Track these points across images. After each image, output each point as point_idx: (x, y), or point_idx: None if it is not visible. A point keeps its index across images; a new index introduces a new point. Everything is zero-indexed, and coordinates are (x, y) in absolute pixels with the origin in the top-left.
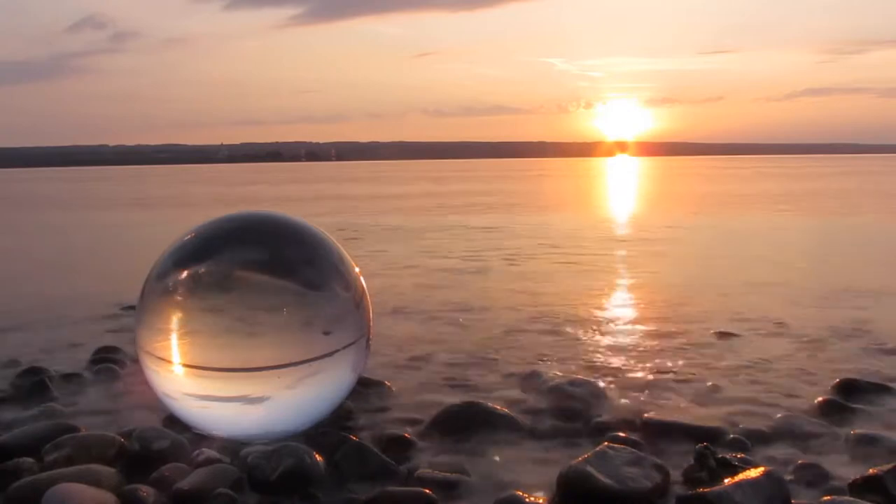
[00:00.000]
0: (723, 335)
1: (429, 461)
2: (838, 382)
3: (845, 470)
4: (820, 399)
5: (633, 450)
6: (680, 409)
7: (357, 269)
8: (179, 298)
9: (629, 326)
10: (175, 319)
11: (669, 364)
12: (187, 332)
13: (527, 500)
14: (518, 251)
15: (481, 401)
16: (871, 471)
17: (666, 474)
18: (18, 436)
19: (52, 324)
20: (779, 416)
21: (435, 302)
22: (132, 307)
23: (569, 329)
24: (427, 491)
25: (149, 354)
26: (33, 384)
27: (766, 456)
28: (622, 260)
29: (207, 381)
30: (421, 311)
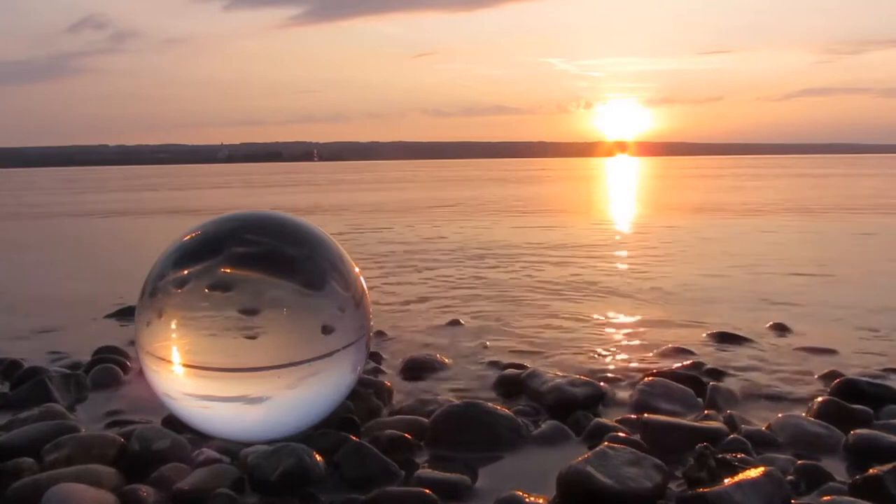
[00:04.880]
0: (725, 336)
1: (429, 461)
2: (839, 382)
3: (845, 470)
4: (820, 399)
5: (633, 450)
6: (680, 410)
7: (357, 269)
8: (179, 298)
9: (631, 323)
10: (175, 319)
11: (670, 365)
12: (187, 332)
13: (527, 500)
14: None
15: (481, 401)
16: (871, 471)
17: (666, 474)
18: (18, 436)
19: (52, 324)
20: (779, 416)
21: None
22: (132, 307)
23: (572, 328)
24: (427, 491)
25: (149, 354)
26: (33, 384)
27: (766, 456)
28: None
29: (207, 381)
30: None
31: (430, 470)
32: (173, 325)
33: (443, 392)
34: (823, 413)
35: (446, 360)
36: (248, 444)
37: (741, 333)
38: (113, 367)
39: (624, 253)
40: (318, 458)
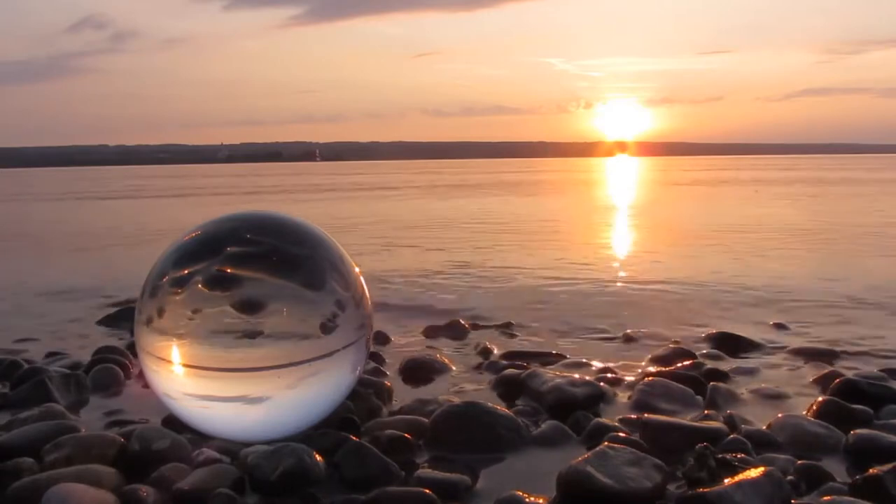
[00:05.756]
0: (725, 336)
1: (429, 461)
2: (839, 382)
3: (845, 470)
4: (820, 399)
5: (633, 450)
6: (680, 410)
7: (357, 269)
8: (179, 298)
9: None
10: (175, 319)
11: (670, 365)
12: (187, 332)
13: (527, 500)
14: None
15: (482, 401)
16: (871, 471)
17: (666, 474)
18: (18, 436)
19: (52, 323)
20: (779, 416)
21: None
22: (132, 307)
23: (573, 329)
24: (427, 491)
25: (149, 354)
26: (33, 384)
27: (766, 456)
28: None
29: (207, 381)
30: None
31: (430, 470)
32: (173, 325)
33: (443, 392)
34: (823, 413)
35: (446, 360)
36: (248, 444)
37: (741, 333)
38: (113, 367)
39: (625, 253)
40: (318, 458)
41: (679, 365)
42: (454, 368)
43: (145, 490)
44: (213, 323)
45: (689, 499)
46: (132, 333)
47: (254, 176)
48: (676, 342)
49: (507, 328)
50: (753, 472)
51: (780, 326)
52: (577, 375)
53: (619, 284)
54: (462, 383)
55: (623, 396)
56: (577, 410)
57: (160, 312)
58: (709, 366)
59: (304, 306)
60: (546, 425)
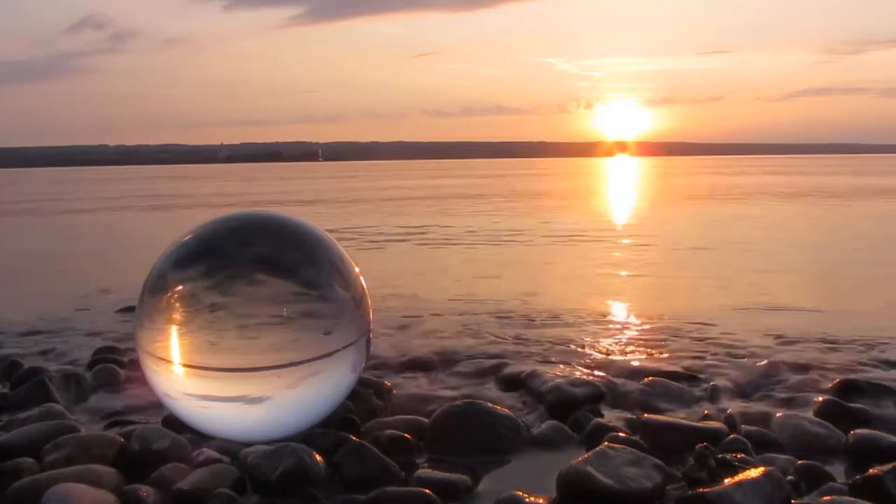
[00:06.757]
0: (726, 336)
1: (429, 461)
2: (838, 382)
3: (845, 470)
4: (820, 399)
5: (633, 450)
6: (680, 410)
7: (357, 269)
8: (179, 298)
9: (629, 323)
10: (175, 319)
11: (671, 364)
12: (187, 332)
13: (527, 499)
14: None
15: (482, 401)
16: (871, 471)
17: (666, 474)
18: (18, 436)
19: (52, 324)
20: (779, 416)
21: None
22: (132, 307)
23: (573, 329)
24: (427, 491)
25: (149, 354)
26: (33, 384)
27: (766, 456)
28: None
29: (207, 381)
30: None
31: (430, 470)
32: (173, 325)
33: (443, 392)
34: (823, 413)
35: (446, 360)
36: (248, 444)
37: (741, 334)
38: (113, 367)
39: (626, 254)
40: (318, 458)
41: (679, 365)
42: (455, 367)
43: (145, 490)
44: (212, 323)
45: (689, 499)
46: (133, 333)
47: (306, 179)
48: (676, 343)
49: (508, 327)
50: (753, 472)
51: (780, 326)
52: (577, 375)
53: (621, 286)
54: (462, 383)
55: (623, 396)
56: (577, 410)
57: (160, 312)
58: (709, 366)
59: (305, 306)
60: (546, 425)
